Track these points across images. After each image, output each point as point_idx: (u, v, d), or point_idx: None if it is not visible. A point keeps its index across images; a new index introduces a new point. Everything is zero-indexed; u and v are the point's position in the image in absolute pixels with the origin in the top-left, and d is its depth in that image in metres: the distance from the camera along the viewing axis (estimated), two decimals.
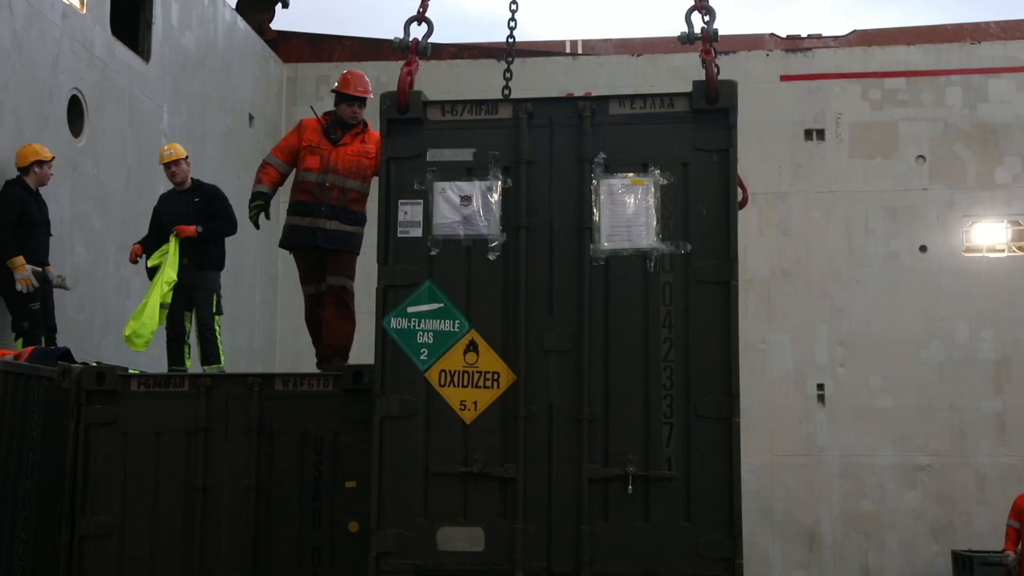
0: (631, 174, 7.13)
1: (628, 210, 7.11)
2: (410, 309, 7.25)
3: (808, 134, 16.83)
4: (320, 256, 9.54)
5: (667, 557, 6.84)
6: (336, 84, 9.75)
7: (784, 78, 16.68)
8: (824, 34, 17.21)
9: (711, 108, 7.07)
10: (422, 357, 7.13)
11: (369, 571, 6.95)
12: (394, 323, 7.27)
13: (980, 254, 16.53)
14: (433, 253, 7.22)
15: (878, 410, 16.24)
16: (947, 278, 16.44)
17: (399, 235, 7.35)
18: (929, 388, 16.22)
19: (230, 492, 7.84)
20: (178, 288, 10.52)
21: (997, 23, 16.95)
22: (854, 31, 17.18)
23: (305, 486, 7.82)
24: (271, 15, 17.84)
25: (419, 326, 7.20)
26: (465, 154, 7.28)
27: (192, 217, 10.56)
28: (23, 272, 9.97)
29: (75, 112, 11.83)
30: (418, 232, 7.29)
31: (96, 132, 12.16)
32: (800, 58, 16.92)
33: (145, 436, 7.97)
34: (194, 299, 10.55)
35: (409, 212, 7.33)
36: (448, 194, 7.23)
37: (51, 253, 10.62)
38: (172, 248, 10.41)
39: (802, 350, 16.48)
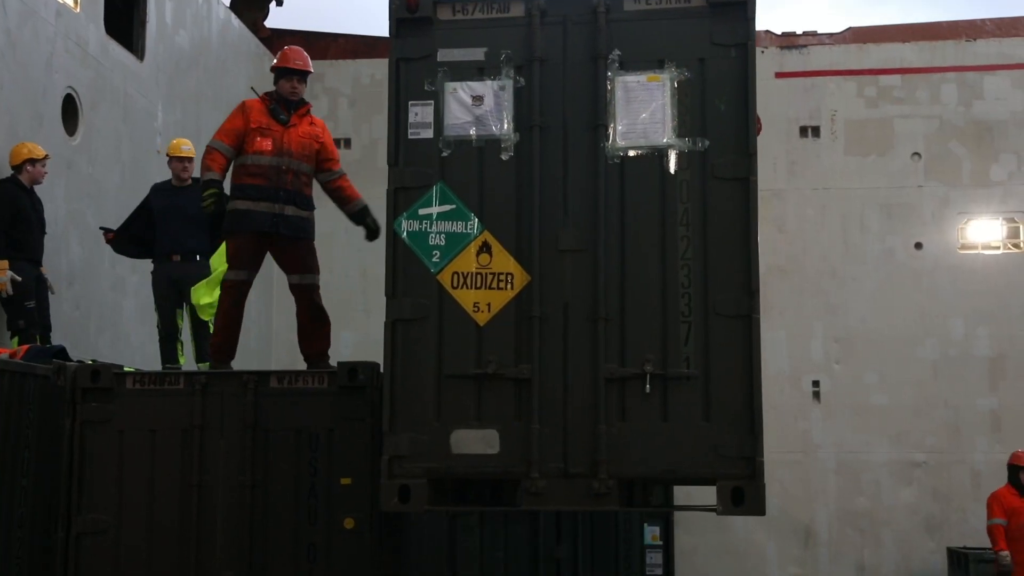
0: (647, 71, 7.04)
1: (644, 108, 7.02)
2: (421, 211, 7.16)
3: (803, 131, 16.82)
4: (270, 243, 9.27)
5: (686, 457, 6.77)
6: (276, 60, 9.46)
7: (779, 75, 16.67)
8: (819, 31, 17.22)
9: (728, 1, 6.99)
10: (434, 259, 7.08)
11: (382, 474, 6.90)
12: (405, 225, 7.17)
13: (975, 251, 16.54)
14: (444, 154, 7.15)
15: (874, 407, 16.25)
16: (942, 275, 16.45)
17: (409, 137, 7.23)
18: (925, 385, 16.23)
19: (226, 489, 7.84)
20: (170, 285, 10.53)
21: (993, 20, 16.95)
22: (849, 28, 17.17)
23: (300, 483, 7.82)
24: (265, 13, 17.82)
25: (430, 228, 7.12)
26: (476, 53, 7.17)
27: (188, 215, 10.56)
28: (2, 276, 9.93)
29: (69, 111, 11.81)
30: (429, 133, 7.19)
31: (90, 130, 12.15)
32: (795, 55, 16.92)
33: (140, 434, 7.97)
34: (185, 297, 10.54)
35: (420, 113, 7.21)
36: (459, 94, 7.15)
37: (46, 251, 10.61)
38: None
39: (798, 347, 16.48)
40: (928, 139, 16.66)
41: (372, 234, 9.96)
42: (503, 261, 7.01)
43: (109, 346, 12.02)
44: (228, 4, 16.29)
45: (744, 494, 6.68)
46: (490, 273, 7.01)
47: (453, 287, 7.01)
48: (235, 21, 16.11)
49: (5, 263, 9.93)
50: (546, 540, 12.57)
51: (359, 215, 9.59)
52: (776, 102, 16.68)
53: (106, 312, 12.34)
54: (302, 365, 9.22)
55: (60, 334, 10.64)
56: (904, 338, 16.30)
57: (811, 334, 16.50)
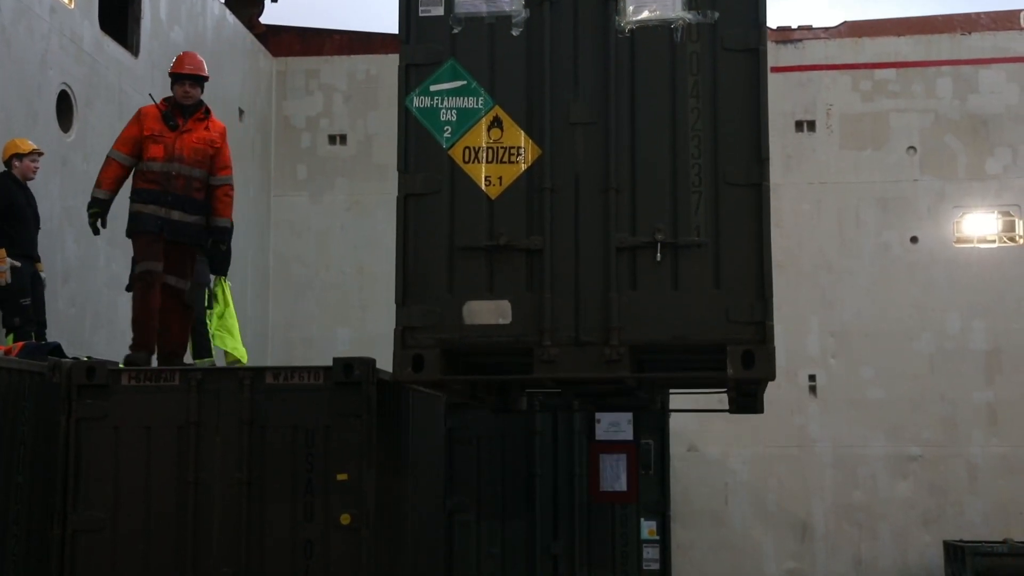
0: None
1: None
2: (432, 87, 7.23)
3: (799, 125, 16.83)
4: (165, 245, 9.30)
5: (697, 323, 6.86)
6: (171, 67, 9.54)
7: (775, 69, 16.57)
8: (814, 25, 17.21)
9: None
10: (445, 135, 7.16)
11: (395, 345, 7.02)
12: (416, 102, 7.24)
13: (971, 245, 16.56)
14: (455, 31, 7.20)
15: (870, 401, 16.27)
16: (938, 269, 16.46)
17: (420, 14, 7.28)
18: (921, 379, 16.25)
19: (222, 486, 7.82)
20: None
21: (987, 14, 16.96)
22: (844, 22, 17.18)
23: (297, 479, 7.79)
24: (260, 9, 17.82)
25: (442, 104, 7.19)
26: None
27: None
28: (3, 265, 9.93)
29: (64, 107, 11.80)
30: (439, 10, 7.24)
31: (85, 127, 12.13)
32: (790, 49, 16.92)
33: (136, 430, 7.94)
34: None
35: None
36: None
37: (42, 248, 10.59)
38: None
39: (794, 341, 16.46)
40: (923, 133, 16.67)
41: (216, 264, 10.17)
42: (514, 135, 7.13)
43: (105, 343, 12.00)
44: (223, 0, 16.27)
45: (754, 357, 6.77)
46: (501, 147, 7.12)
47: (464, 162, 7.13)
48: (230, 17, 16.09)
49: (3, 252, 9.93)
50: (543, 536, 12.58)
51: (215, 233, 9.48)
52: (771, 96, 16.39)
53: (102, 309, 12.33)
54: (298, 361, 9.22)
55: (56, 331, 10.62)
56: (900, 332, 16.32)
57: (807, 328, 16.52)
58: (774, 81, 16.68)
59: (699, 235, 6.93)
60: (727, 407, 8.83)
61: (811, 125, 16.85)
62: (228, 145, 9.58)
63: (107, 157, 9.39)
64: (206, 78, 9.51)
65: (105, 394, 7.94)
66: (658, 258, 6.89)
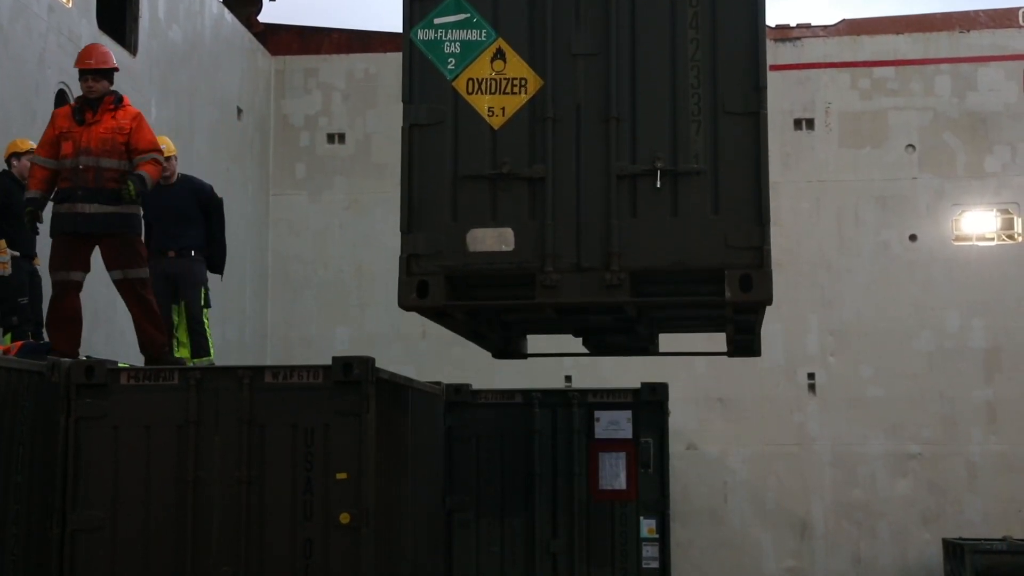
0: None
1: None
2: (436, 20, 7.37)
3: (797, 123, 16.83)
4: (87, 243, 9.16)
5: (695, 249, 7.02)
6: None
7: (773, 67, 16.49)
8: (813, 23, 17.21)
9: None
10: (449, 67, 7.30)
11: (400, 272, 7.16)
12: (421, 35, 7.37)
13: (970, 243, 16.56)
14: None
15: (869, 399, 16.27)
16: (937, 267, 16.46)
17: None
18: (920, 377, 16.25)
19: (221, 485, 7.81)
20: (165, 282, 10.53)
21: (986, 12, 16.96)
22: (843, 20, 17.18)
23: (296, 478, 7.79)
24: (258, 8, 17.80)
25: (446, 36, 7.34)
26: None
27: (180, 213, 10.55)
28: (3, 256, 9.91)
29: (62, 106, 11.76)
30: None
31: None
32: (789, 47, 16.91)
33: (135, 429, 7.94)
34: (181, 293, 10.53)
35: None
36: None
37: (40, 247, 10.57)
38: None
39: (793, 340, 16.49)
40: (922, 131, 16.67)
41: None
42: (517, 66, 7.27)
43: (104, 342, 11.98)
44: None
45: (752, 281, 6.92)
46: (504, 79, 7.28)
47: (468, 93, 7.29)
48: (228, 16, 16.08)
49: (3, 242, 9.90)
50: (542, 534, 12.58)
51: (131, 175, 9.10)
52: (770, 95, 16.52)
53: (100, 308, 12.30)
54: (297, 360, 9.19)
55: None
56: (899, 330, 16.32)
57: (806, 327, 16.51)
58: (773, 79, 16.72)
59: (698, 163, 7.09)
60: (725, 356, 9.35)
61: (810, 123, 16.85)
62: (147, 126, 9.38)
63: (31, 163, 9.42)
64: (114, 69, 9.42)
65: (104, 393, 7.94)
66: (658, 185, 7.06)
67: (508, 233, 7.15)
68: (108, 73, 9.38)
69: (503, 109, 7.26)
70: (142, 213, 10.77)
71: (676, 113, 7.12)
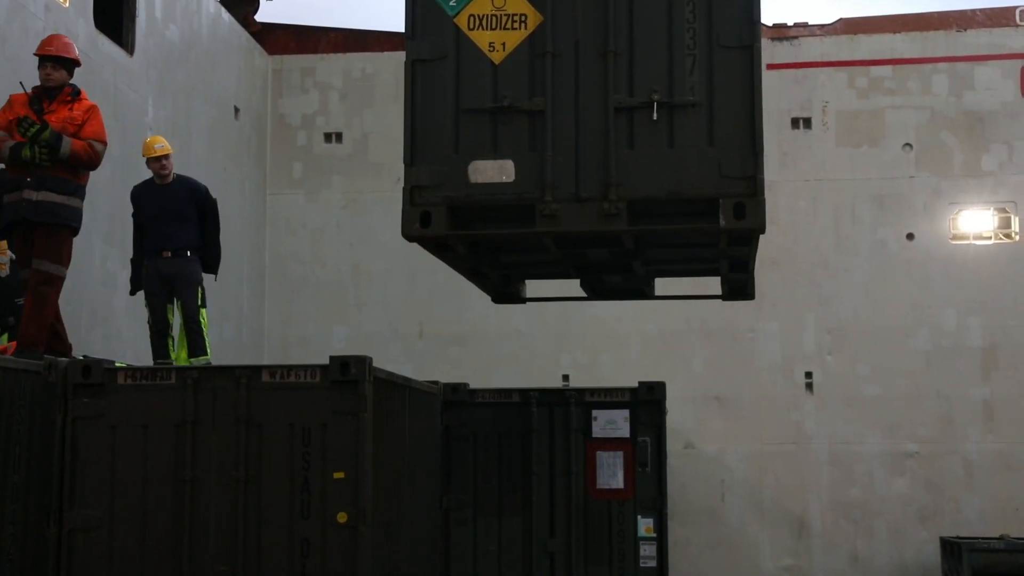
0: None
1: None
2: None
3: (795, 122, 16.84)
4: (28, 228, 9.07)
5: (691, 178, 7.21)
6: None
7: (771, 66, 16.65)
8: (810, 22, 17.22)
9: None
10: (451, 3, 7.49)
11: (403, 203, 7.35)
12: None
13: (967, 242, 16.57)
14: None
15: (866, 398, 16.28)
16: (934, 266, 16.47)
17: None
18: (917, 376, 16.26)
19: (218, 484, 7.81)
20: (160, 282, 10.53)
21: (983, 11, 16.97)
22: (840, 19, 17.18)
23: (293, 477, 7.79)
24: (255, 7, 17.80)
25: None
26: None
27: (177, 213, 10.55)
28: (3, 257, 9.91)
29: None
30: None
31: None
32: (787, 46, 16.92)
33: (133, 429, 7.93)
34: (177, 292, 10.53)
35: None
36: None
37: None
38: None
39: (790, 339, 16.50)
40: (919, 130, 16.67)
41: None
42: (517, 2, 7.46)
43: (101, 342, 11.99)
44: None
45: (745, 208, 7.11)
46: (504, 14, 7.46)
47: (469, 28, 7.46)
48: (225, 16, 16.07)
49: (4, 244, 9.90)
50: (540, 533, 12.59)
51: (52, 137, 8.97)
52: (767, 94, 16.47)
53: (98, 308, 12.31)
54: (294, 359, 9.19)
55: None
56: (896, 329, 16.33)
57: (803, 325, 16.52)
58: (770, 78, 16.81)
59: (694, 95, 7.28)
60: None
61: (807, 122, 16.85)
62: (100, 119, 9.35)
63: None
64: (74, 60, 9.39)
65: (101, 393, 7.93)
66: (654, 117, 7.23)
67: (508, 165, 7.34)
68: (68, 64, 9.36)
69: (503, 44, 7.43)
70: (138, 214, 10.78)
71: (672, 47, 7.31)
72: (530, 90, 7.42)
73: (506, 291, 10.23)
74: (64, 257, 9.28)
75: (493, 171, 7.35)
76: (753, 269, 9.34)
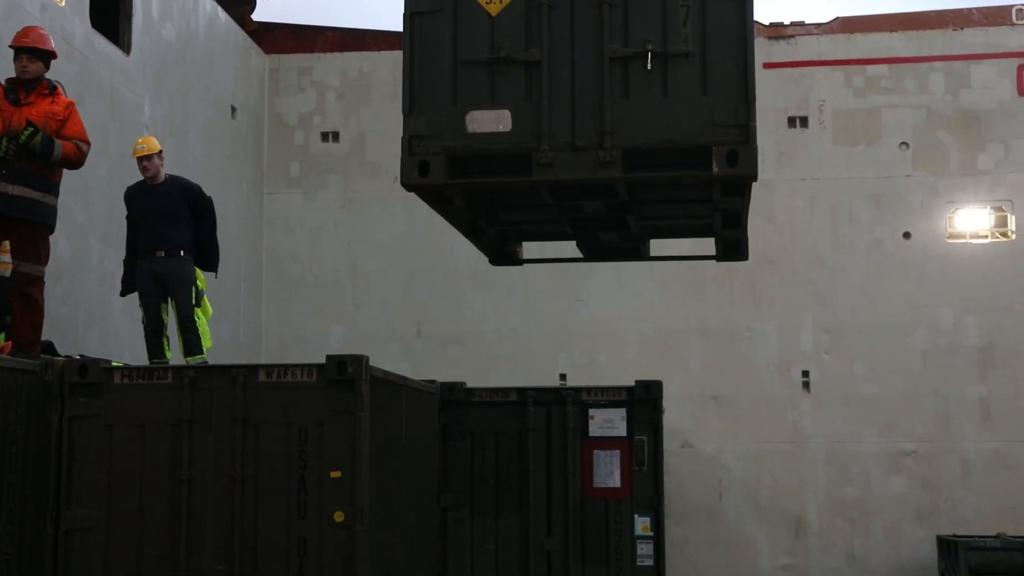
0: None
1: None
2: None
3: (791, 121, 16.84)
4: (5, 229, 9.02)
5: (684, 127, 7.32)
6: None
7: (767, 65, 16.67)
8: (807, 21, 17.23)
9: None
10: None
11: (402, 152, 7.46)
12: None
13: (964, 240, 16.57)
14: None
15: (863, 397, 16.29)
16: (931, 265, 16.48)
17: None
18: (914, 374, 16.27)
19: (215, 483, 7.82)
20: (154, 282, 10.53)
21: (979, 9, 16.98)
22: (836, 18, 17.19)
23: (291, 477, 7.80)
24: (252, 6, 17.78)
25: None
26: None
27: (168, 213, 10.55)
28: (5, 256, 9.91)
29: None
30: None
31: None
32: (783, 45, 16.93)
33: (129, 428, 7.94)
34: (171, 292, 10.52)
35: None
36: None
37: None
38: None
39: (787, 338, 16.51)
40: (916, 128, 16.68)
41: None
42: None
43: (97, 341, 11.98)
44: None
45: (738, 156, 7.22)
46: None
47: None
48: (222, 15, 16.06)
49: (7, 243, 9.88)
50: (537, 532, 12.60)
51: (45, 141, 8.97)
52: (764, 93, 16.42)
53: (94, 307, 12.31)
54: (291, 358, 9.18)
55: (48, 329, 10.56)
56: (893, 328, 16.34)
57: (800, 325, 16.53)
58: (767, 77, 16.89)
59: (687, 45, 7.39)
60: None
61: (804, 121, 16.86)
62: (79, 117, 9.34)
63: None
64: (50, 52, 9.36)
65: (98, 392, 7.94)
66: (648, 67, 7.34)
67: (505, 115, 7.45)
68: (45, 56, 9.33)
69: None
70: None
71: None
72: (526, 41, 7.53)
73: (504, 250, 10.31)
74: (43, 256, 9.28)
75: (490, 121, 7.46)
76: (746, 225, 9.41)
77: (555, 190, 8.01)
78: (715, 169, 7.22)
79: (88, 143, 9.36)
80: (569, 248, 10.94)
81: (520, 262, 10.82)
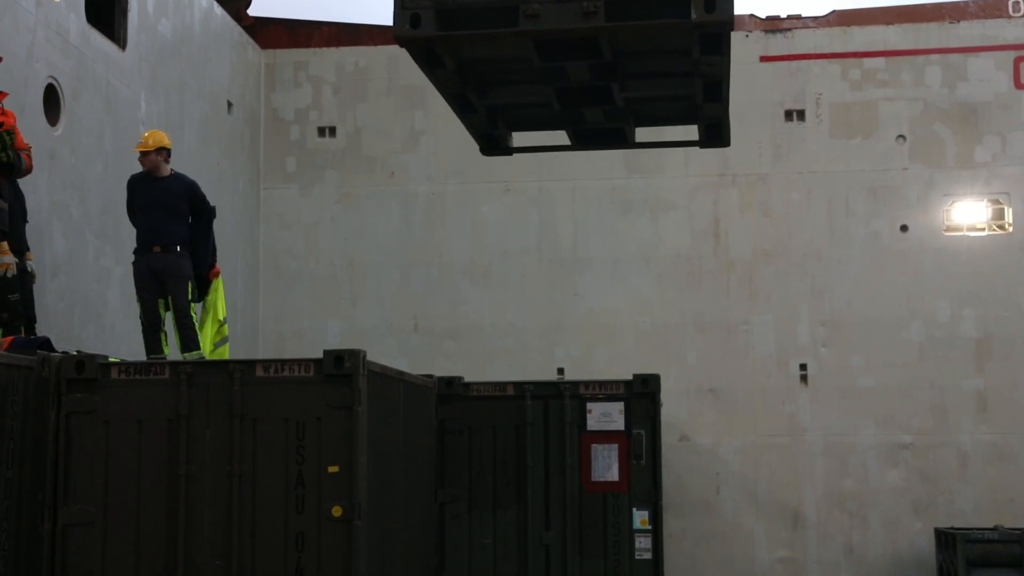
0: None
1: None
2: None
3: (788, 115, 16.83)
4: None
5: None
6: None
7: (764, 59, 16.68)
8: (803, 14, 17.22)
9: None
10: None
11: (394, 6, 7.52)
12: None
13: (961, 233, 16.58)
14: None
15: (860, 389, 16.30)
16: (928, 257, 16.49)
17: None
18: (911, 367, 16.28)
19: (212, 479, 7.83)
20: (151, 277, 10.52)
21: (976, 2, 16.97)
22: (833, 11, 17.18)
23: (288, 471, 7.81)
24: (248, 1, 17.74)
25: None
26: None
27: (168, 206, 10.55)
28: (8, 257, 9.90)
29: (51, 100, 11.74)
30: None
31: (73, 121, 12.08)
32: (780, 39, 16.92)
33: (126, 424, 7.94)
34: (167, 288, 10.52)
35: None
36: None
37: (30, 243, 10.55)
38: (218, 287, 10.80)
39: (784, 331, 16.52)
40: (913, 121, 16.68)
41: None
42: None
43: (94, 337, 11.97)
44: None
45: (716, 2, 7.32)
46: None
47: None
48: (217, 10, 16.03)
49: (6, 244, 9.88)
50: (535, 526, 12.60)
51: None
52: (761, 86, 16.68)
53: (91, 303, 12.30)
54: (288, 354, 9.18)
55: (45, 325, 10.59)
56: (890, 320, 16.35)
57: (797, 318, 16.54)
58: (764, 70, 16.91)
59: None
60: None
61: (800, 114, 16.85)
62: (17, 133, 9.47)
63: None
64: None
65: (95, 388, 7.94)
66: None
67: None
68: None
69: None
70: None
71: None
72: None
73: (493, 135, 10.31)
74: None
75: None
76: (727, 100, 9.37)
77: (540, 45, 8.08)
78: (693, 15, 7.34)
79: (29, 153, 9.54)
80: (560, 139, 10.82)
81: (510, 151, 10.84)
